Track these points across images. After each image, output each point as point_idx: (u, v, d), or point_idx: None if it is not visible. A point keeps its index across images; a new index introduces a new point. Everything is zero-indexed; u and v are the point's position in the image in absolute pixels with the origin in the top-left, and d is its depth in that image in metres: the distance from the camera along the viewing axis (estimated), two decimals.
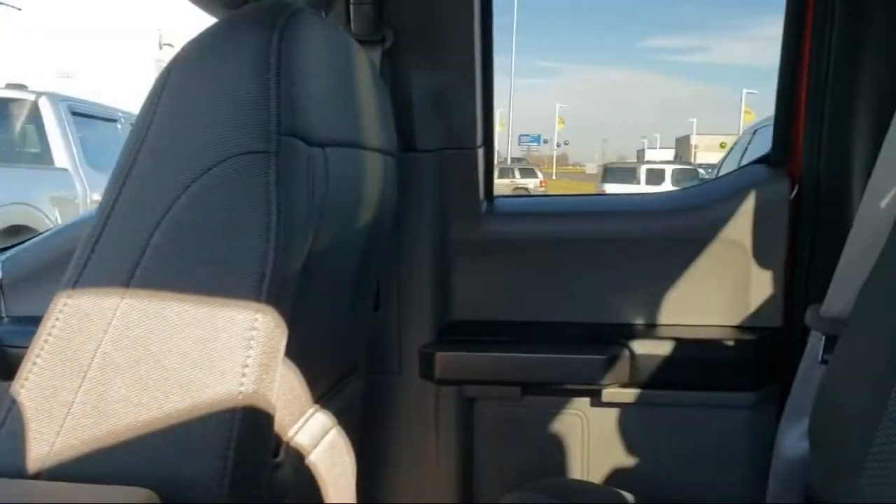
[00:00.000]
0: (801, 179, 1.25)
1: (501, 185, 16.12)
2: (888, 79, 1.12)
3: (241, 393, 0.67)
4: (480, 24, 1.26)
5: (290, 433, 0.88)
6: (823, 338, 1.17)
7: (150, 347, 0.66)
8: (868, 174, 1.13)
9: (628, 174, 19.33)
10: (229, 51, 0.68)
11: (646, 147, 52.73)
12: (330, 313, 1.00)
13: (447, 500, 1.33)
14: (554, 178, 34.85)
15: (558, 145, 42.14)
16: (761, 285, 1.28)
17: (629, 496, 1.12)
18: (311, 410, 0.95)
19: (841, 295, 1.14)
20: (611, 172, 20.20)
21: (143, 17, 14.65)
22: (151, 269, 0.67)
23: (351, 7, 1.19)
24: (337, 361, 1.07)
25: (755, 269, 1.28)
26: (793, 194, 1.26)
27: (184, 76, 0.70)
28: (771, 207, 1.26)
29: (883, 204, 1.11)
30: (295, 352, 0.82)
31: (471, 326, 1.33)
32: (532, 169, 19.69)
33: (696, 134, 46.27)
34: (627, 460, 1.30)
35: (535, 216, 1.35)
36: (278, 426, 0.82)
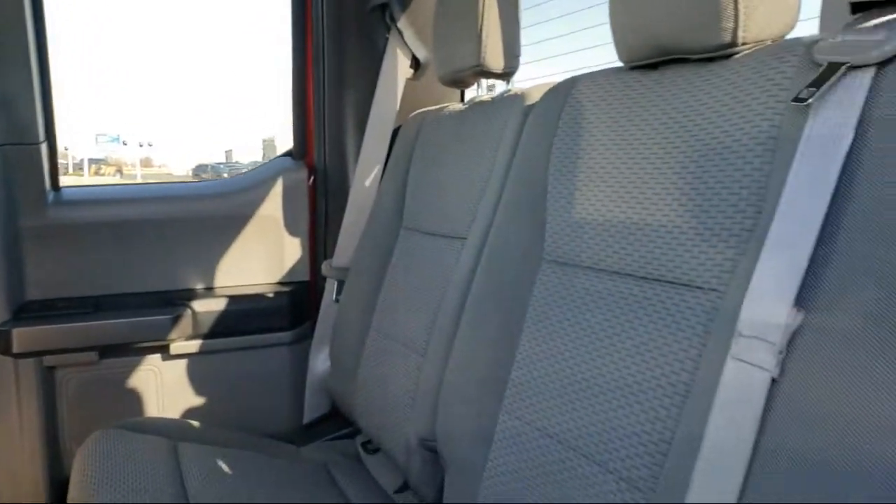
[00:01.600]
0: (315, 168, 1.68)
1: None
2: (362, 101, 1.61)
3: None
4: (34, 29, 1.39)
5: None
6: (336, 283, 1.61)
7: None
8: (356, 164, 1.60)
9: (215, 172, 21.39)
10: None
11: (234, 149, 52.80)
12: None
13: (35, 463, 1.44)
14: (140, 179, 32.60)
15: (141, 146, 39.61)
16: (293, 249, 1.68)
17: (195, 423, 1.40)
18: None
19: (344, 251, 1.60)
20: (201, 170, 22.48)
21: None
22: None
23: None
24: None
25: (287, 237, 1.66)
26: (310, 180, 1.68)
27: None
28: (295, 190, 1.66)
29: (367, 183, 1.59)
30: None
31: (47, 304, 1.46)
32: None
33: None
34: (196, 400, 1.58)
35: (101, 203, 1.52)
36: None
